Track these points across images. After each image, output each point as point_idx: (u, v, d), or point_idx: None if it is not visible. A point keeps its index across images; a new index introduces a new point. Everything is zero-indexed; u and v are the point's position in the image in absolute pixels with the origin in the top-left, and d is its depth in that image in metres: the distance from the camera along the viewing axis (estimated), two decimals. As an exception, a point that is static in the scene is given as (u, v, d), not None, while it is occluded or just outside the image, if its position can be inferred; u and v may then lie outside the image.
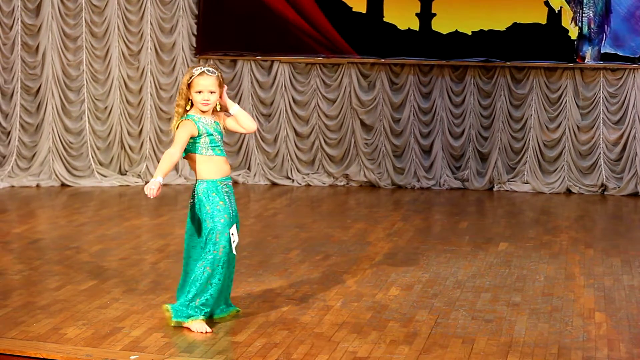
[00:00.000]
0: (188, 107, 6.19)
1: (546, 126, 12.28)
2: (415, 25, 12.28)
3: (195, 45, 12.56)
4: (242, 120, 6.29)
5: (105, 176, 12.25)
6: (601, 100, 12.14)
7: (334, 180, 12.57)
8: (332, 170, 12.60)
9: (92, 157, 12.28)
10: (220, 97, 6.22)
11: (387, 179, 12.48)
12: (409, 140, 12.51)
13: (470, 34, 12.18)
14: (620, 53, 11.93)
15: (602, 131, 12.16)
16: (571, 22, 11.98)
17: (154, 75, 12.47)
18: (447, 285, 7.45)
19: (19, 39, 12.05)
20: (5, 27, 12.00)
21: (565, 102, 12.23)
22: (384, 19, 12.32)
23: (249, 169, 12.65)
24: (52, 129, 12.15)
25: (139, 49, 12.42)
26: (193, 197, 6.25)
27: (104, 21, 12.26)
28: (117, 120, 12.38)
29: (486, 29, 12.15)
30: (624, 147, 12.12)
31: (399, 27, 12.31)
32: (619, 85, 12.08)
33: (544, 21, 12.04)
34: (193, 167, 6.27)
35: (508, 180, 12.33)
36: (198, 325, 6.15)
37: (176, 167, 12.47)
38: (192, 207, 6.26)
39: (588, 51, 11.98)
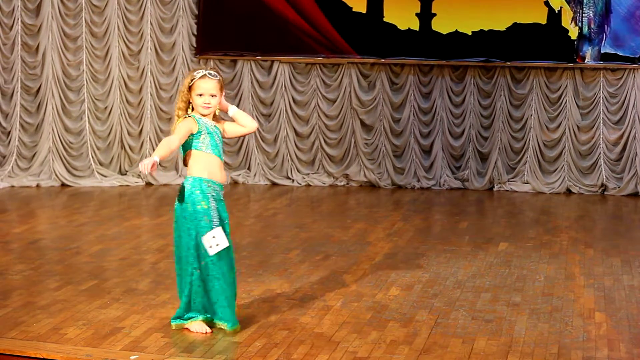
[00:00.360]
0: (189, 111, 6.13)
1: (546, 126, 12.29)
2: (415, 25, 12.28)
3: (195, 45, 12.56)
4: (242, 120, 6.26)
5: (105, 176, 12.25)
6: (601, 100, 12.14)
7: (334, 180, 12.57)
8: (332, 170, 12.60)
9: (92, 157, 12.28)
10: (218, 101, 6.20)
11: (387, 179, 12.48)
12: (409, 140, 12.51)
13: (470, 34, 12.18)
14: (620, 53, 11.93)
15: (602, 131, 12.16)
16: (571, 22, 11.98)
17: (154, 75, 12.47)
18: (447, 286, 7.45)
19: (19, 39, 12.05)
20: (5, 27, 12.00)
21: (565, 102, 12.23)
22: (384, 19, 12.32)
23: (249, 169, 12.65)
24: (52, 129, 12.15)
25: (139, 49, 12.42)
26: (179, 192, 6.17)
27: (104, 21, 12.26)
28: (117, 120, 12.38)
29: (486, 29, 12.15)
30: (624, 147, 12.12)
31: (399, 27, 12.31)
32: (619, 85, 12.08)
33: (544, 21, 12.04)
34: (187, 163, 6.19)
35: (508, 180, 12.33)
36: (197, 326, 6.14)
37: (176, 167, 12.48)
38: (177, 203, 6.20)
39: (588, 51, 11.98)
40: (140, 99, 12.47)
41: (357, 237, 9.26)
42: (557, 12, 12.00)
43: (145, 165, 5.76)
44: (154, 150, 12.36)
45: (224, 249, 6.08)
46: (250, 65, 12.62)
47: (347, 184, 12.56)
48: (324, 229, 9.64)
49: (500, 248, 8.86)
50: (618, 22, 11.88)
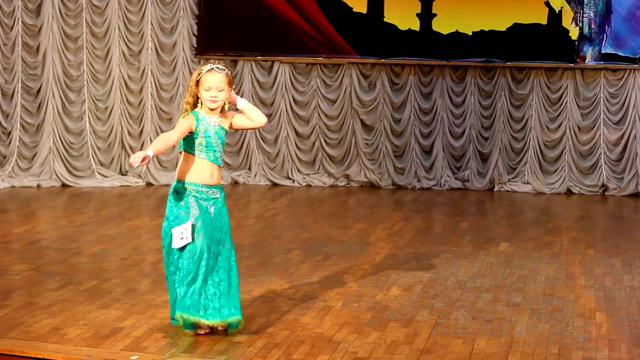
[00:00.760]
0: (200, 106, 6.05)
1: (547, 126, 12.28)
2: (415, 25, 12.28)
3: (195, 46, 12.56)
4: (251, 114, 6.15)
5: (105, 176, 12.25)
6: (602, 101, 12.14)
7: (334, 180, 12.57)
8: (333, 171, 12.60)
9: (93, 158, 12.28)
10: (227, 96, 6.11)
11: (387, 179, 12.48)
12: (409, 140, 12.51)
13: (470, 34, 12.18)
14: (620, 53, 11.93)
15: (603, 131, 12.16)
16: (572, 22, 11.98)
17: (154, 75, 12.47)
18: (448, 286, 7.45)
19: (20, 39, 12.05)
20: (5, 27, 12.00)
21: (566, 103, 12.23)
22: (385, 20, 12.32)
23: (249, 169, 12.65)
24: (53, 129, 12.15)
25: (139, 49, 12.42)
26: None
27: (105, 21, 12.26)
28: (117, 121, 12.38)
29: (487, 29, 12.15)
30: (625, 148, 12.12)
31: (399, 27, 12.31)
32: (620, 85, 12.08)
33: (544, 21, 12.04)
34: (180, 164, 6.16)
35: (509, 181, 12.33)
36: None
37: (177, 167, 12.46)
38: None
39: (589, 51, 11.98)
40: (141, 99, 12.47)
41: (357, 238, 9.26)
42: (557, 12, 12.00)
43: (136, 158, 5.72)
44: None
45: (188, 245, 6.02)
46: (251, 66, 12.62)
47: (348, 184, 12.56)
48: (324, 230, 9.64)
49: (501, 248, 8.85)
50: (619, 22, 11.88)
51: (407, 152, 12.52)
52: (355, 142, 12.61)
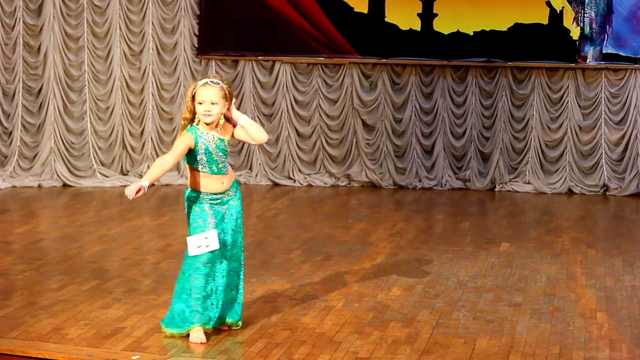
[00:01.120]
0: (197, 122, 6.00)
1: (548, 126, 12.28)
2: (416, 25, 12.28)
3: (196, 46, 12.55)
4: (252, 131, 6.08)
5: (106, 176, 12.25)
6: (603, 101, 12.14)
7: (335, 180, 12.57)
8: (334, 171, 12.60)
9: (94, 158, 12.28)
10: (228, 109, 6.03)
11: (388, 179, 12.48)
12: (410, 140, 12.51)
13: (471, 34, 12.18)
14: (622, 53, 11.93)
15: (604, 131, 12.16)
16: (573, 22, 11.98)
17: (155, 75, 12.47)
18: (449, 286, 7.45)
19: (21, 39, 12.05)
20: (7, 27, 12.00)
21: (567, 102, 12.22)
22: (386, 19, 12.32)
23: (250, 169, 12.65)
24: (54, 129, 12.16)
25: (140, 49, 12.43)
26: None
27: (106, 21, 12.26)
28: (118, 121, 12.38)
29: (488, 29, 12.14)
30: (626, 148, 12.12)
31: (400, 27, 12.31)
32: (621, 85, 12.08)
33: (545, 21, 12.04)
34: (189, 175, 6.14)
35: (510, 181, 12.33)
36: (196, 334, 6.01)
37: (178, 168, 12.47)
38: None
39: (590, 51, 11.97)
40: (142, 99, 12.47)
41: (358, 238, 9.26)
42: (558, 12, 12.00)
43: (130, 191, 5.71)
44: (155, 151, 12.42)
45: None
46: (252, 66, 12.61)
47: (349, 184, 12.56)
48: (325, 229, 9.64)
49: (502, 248, 8.85)
50: (620, 22, 11.87)
51: (408, 152, 12.52)
52: (356, 142, 12.61)
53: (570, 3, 11.94)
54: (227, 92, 5.98)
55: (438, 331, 6.28)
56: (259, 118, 12.49)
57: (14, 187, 11.85)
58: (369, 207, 11.14)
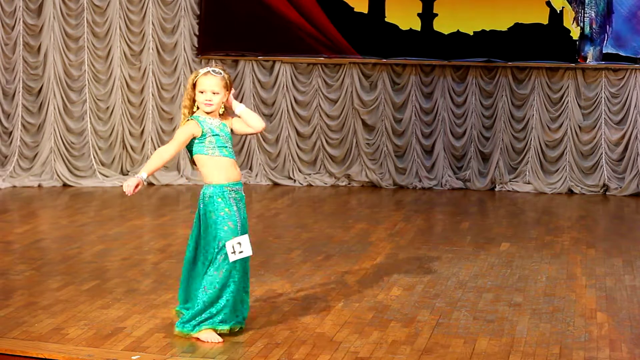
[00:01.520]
0: (195, 109, 6.03)
1: (548, 126, 12.28)
2: (417, 25, 12.28)
3: (197, 46, 12.56)
4: (249, 119, 6.08)
5: (107, 176, 12.25)
6: (603, 101, 12.14)
7: (335, 180, 12.57)
8: (334, 171, 12.60)
9: (94, 158, 12.28)
10: (227, 99, 6.07)
11: (388, 179, 12.48)
12: (410, 140, 12.51)
13: (472, 34, 12.18)
14: (622, 53, 11.93)
15: (604, 131, 12.16)
16: (573, 22, 11.98)
17: (155, 75, 12.47)
18: (449, 286, 7.45)
19: (21, 39, 12.05)
20: (7, 27, 12.00)
21: (567, 102, 12.23)
22: (386, 19, 12.32)
23: (250, 169, 12.65)
24: (54, 129, 12.16)
25: (140, 49, 12.43)
26: (200, 201, 6.08)
27: (106, 21, 12.26)
28: (118, 121, 12.38)
29: (488, 29, 12.15)
30: (626, 147, 12.12)
31: (400, 27, 12.31)
32: (621, 85, 12.08)
33: (545, 21, 12.04)
34: (200, 170, 6.09)
35: (510, 181, 12.33)
36: (208, 335, 6.01)
37: (177, 168, 12.48)
38: (199, 211, 6.10)
39: (590, 51, 11.98)
40: (142, 99, 12.48)
41: (358, 238, 9.26)
42: (558, 12, 12.00)
43: (129, 186, 5.75)
44: (155, 150, 12.40)
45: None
46: (252, 66, 12.62)
47: (349, 184, 12.56)
48: (325, 229, 9.64)
49: (502, 248, 8.85)
50: (620, 22, 11.87)
51: (408, 152, 12.52)
52: (356, 142, 12.61)
53: (570, 3, 11.94)
54: (227, 81, 6.01)
55: (438, 331, 6.28)
56: (259, 118, 12.46)
57: (14, 187, 11.85)
58: (369, 207, 11.14)
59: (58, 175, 12.09)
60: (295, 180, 12.55)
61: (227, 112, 6.12)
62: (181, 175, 12.40)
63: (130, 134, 12.44)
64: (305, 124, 12.66)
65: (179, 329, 6.05)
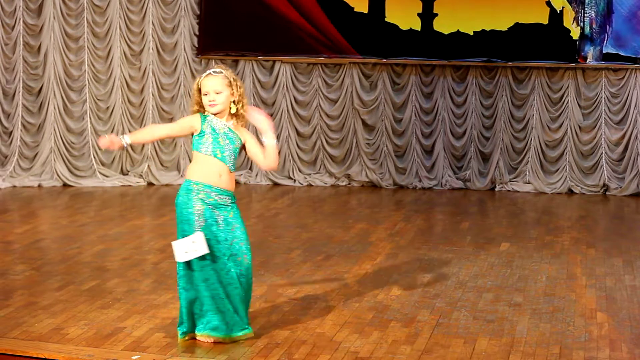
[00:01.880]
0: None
1: (548, 126, 12.28)
2: (417, 25, 12.28)
3: (197, 46, 12.56)
4: (268, 154, 5.96)
5: (107, 176, 12.25)
6: (603, 101, 12.14)
7: (335, 180, 12.57)
8: (334, 171, 12.60)
9: (94, 157, 12.28)
10: (239, 102, 5.90)
11: (388, 179, 12.48)
12: (410, 140, 12.51)
13: (472, 34, 12.18)
14: (622, 53, 11.93)
15: (604, 131, 12.16)
16: (573, 22, 11.98)
17: (155, 75, 12.47)
18: (449, 286, 7.45)
19: (21, 39, 12.05)
20: (7, 27, 12.00)
21: (567, 102, 12.23)
22: (386, 19, 12.32)
23: (250, 169, 12.64)
24: (54, 129, 12.16)
25: (140, 49, 12.43)
26: None
27: (106, 21, 12.26)
28: (118, 121, 12.38)
29: (488, 29, 12.15)
30: (626, 147, 12.12)
31: (400, 27, 12.31)
32: (621, 85, 12.08)
33: (545, 21, 12.04)
34: None
35: (510, 181, 12.33)
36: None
37: (177, 167, 12.48)
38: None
39: (590, 51, 11.97)
40: (142, 99, 12.48)
41: (358, 237, 9.26)
42: (558, 12, 12.00)
43: (106, 140, 5.74)
44: (155, 151, 12.43)
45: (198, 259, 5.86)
46: (252, 66, 12.62)
47: (349, 184, 12.56)
48: (325, 229, 9.64)
49: (502, 248, 8.85)
50: (620, 22, 11.87)
51: (408, 152, 12.52)
52: (356, 142, 12.61)
53: (570, 3, 11.94)
54: (231, 79, 5.91)
55: (438, 331, 6.28)
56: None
57: (14, 187, 11.85)
58: (369, 207, 11.14)
59: (58, 175, 12.09)
60: (295, 180, 12.55)
61: (242, 119, 5.98)
62: (181, 175, 12.39)
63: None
64: (305, 124, 12.66)
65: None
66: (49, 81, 12.13)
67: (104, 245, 8.72)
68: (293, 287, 7.33)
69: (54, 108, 12.16)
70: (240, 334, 6.00)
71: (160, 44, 12.46)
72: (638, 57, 11.89)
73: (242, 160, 12.64)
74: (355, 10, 12.36)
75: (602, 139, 12.17)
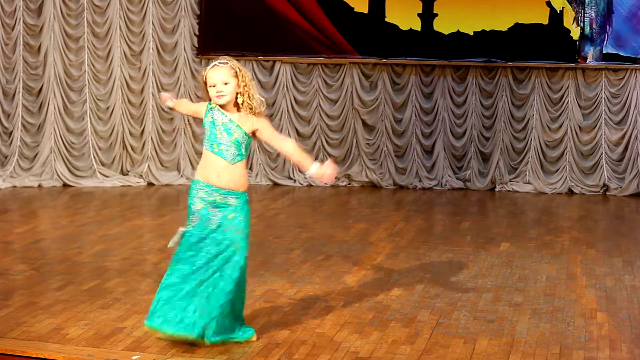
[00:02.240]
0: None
1: (548, 126, 12.28)
2: (417, 25, 12.28)
3: (197, 46, 12.56)
4: (298, 154, 5.94)
5: (107, 176, 12.25)
6: (603, 101, 12.14)
7: (335, 180, 12.57)
8: (334, 171, 12.58)
9: (94, 158, 12.28)
10: (244, 93, 5.78)
11: (388, 179, 12.48)
12: (410, 140, 12.51)
13: (472, 34, 12.18)
14: (622, 53, 11.93)
15: (604, 131, 12.16)
16: (573, 22, 11.98)
17: (155, 75, 12.47)
18: (449, 286, 7.45)
19: (21, 39, 12.05)
20: (7, 27, 12.00)
21: (567, 103, 12.23)
22: (386, 19, 12.32)
23: (250, 169, 12.64)
24: (54, 129, 12.16)
25: (140, 49, 12.43)
26: None
27: (106, 21, 12.26)
28: (119, 121, 12.38)
29: (488, 29, 12.14)
30: (626, 148, 12.12)
31: (400, 27, 12.31)
32: (621, 85, 12.08)
33: (545, 21, 12.04)
34: None
35: (510, 181, 12.33)
36: None
37: (177, 168, 12.48)
38: None
39: (590, 51, 11.97)
40: (142, 99, 12.48)
41: (358, 237, 9.26)
42: (558, 12, 12.00)
43: (165, 96, 6.08)
44: (155, 151, 12.44)
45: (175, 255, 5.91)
46: (252, 66, 12.61)
47: (349, 184, 12.56)
48: (325, 229, 9.64)
49: (502, 248, 8.85)
50: (620, 22, 11.87)
51: (408, 152, 12.52)
52: (356, 142, 12.61)
53: (570, 3, 11.94)
54: (237, 69, 5.81)
55: (438, 331, 6.28)
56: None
57: (14, 187, 11.85)
58: (369, 207, 11.14)
59: (58, 175, 12.09)
60: (295, 180, 12.55)
61: (251, 109, 5.84)
62: (181, 175, 12.40)
63: (131, 134, 12.44)
64: (305, 124, 12.66)
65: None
66: (49, 81, 12.13)
67: (104, 245, 8.72)
68: (293, 287, 7.33)
69: (54, 108, 12.16)
70: (209, 340, 5.83)
71: (160, 44, 12.46)
72: (638, 57, 11.89)
73: (242, 160, 12.65)
74: (355, 10, 12.36)
75: (602, 139, 12.17)
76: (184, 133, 12.49)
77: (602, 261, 8.35)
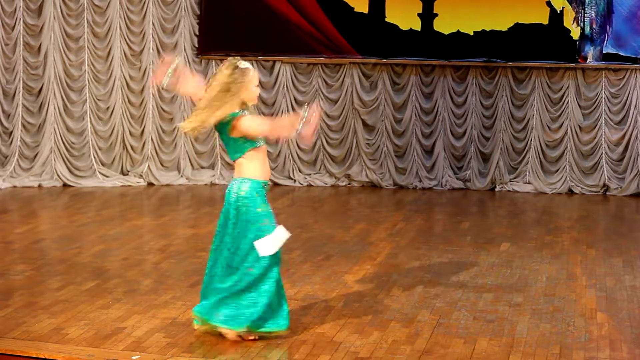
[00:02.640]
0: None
1: (548, 126, 12.28)
2: (417, 25, 12.28)
3: (197, 46, 12.56)
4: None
5: (107, 176, 12.25)
6: (603, 101, 12.14)
7: (335, 180, 12.57)
8: (334, 171, 12.60)
9: (94, 158, 12.28)
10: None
11: (388, 179, 12.48)
12: (410, 140, 12.51)
13: (472, 34, 12.18)
14: (622, 53, 11.93)
15: (604, 131, 12.16)
16: (573, 22, 11.98)
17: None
18: (449, 286, 7.45)
19: (21, 39, 12.05)
20: (7, 27, 12.00)
21: (567, 103, 12.23)
22: (386, 19, 12.32)
23: (250, 169, 12.62)
24: (54, 129, 12.16)
25: (140, 49, 12.43)
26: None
27: (106, 21, 12.26)
28: (119, 121, 12.38)
29: (488, 29, 12.15)
30: (626, 148, 12.12)
31: (400, 27, 12.31)
32: (621, 85, 12.08)
33: (545, 21, 12.04)
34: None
35: (510, 181, 12.33)
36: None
37: (177, 168, 12.48)
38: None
39: (590, 51, 11.98)
40: (142, 99, 12.48)
41: (358, 238, 9.26)
42: (559, 12, 12.00)
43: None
44: (155, 151, 12.44)
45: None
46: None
47: (349, 184, 12.56)
48: (325, 229, 9.64)
49: (502, 248, 8.85)
50: (620, 22, 11.87)
51: (408, 152, 12.52)
52: (356, 142, 12.61)
53: (570, 3, 11.94)
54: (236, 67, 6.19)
55: (438, 331, 6.28)
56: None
57: (14, 187, 11.85)
58: (369, 207, 11.14)
59: (58, 175, 12.09)
60: (295, 180, 12.55)
61: (245, 105, 6.03)
62: (181, 175, 12.40)
63: (131, 134, 12.44)
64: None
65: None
66: (49, 81, 12.13)
67: (104, 245, 8.72)
68: (293, 287, 7.33)
69: (54, 108, 12.16)
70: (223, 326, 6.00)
71: (161, 44, 12.46)
72: (638, 57, 11.89)
73: (242, 160, 12.64)
74: (355, 10, 12.37)
75: (602, 139, 12.17)
76: (184, 133, 12.48)
77: (602, 261, 8.35)
